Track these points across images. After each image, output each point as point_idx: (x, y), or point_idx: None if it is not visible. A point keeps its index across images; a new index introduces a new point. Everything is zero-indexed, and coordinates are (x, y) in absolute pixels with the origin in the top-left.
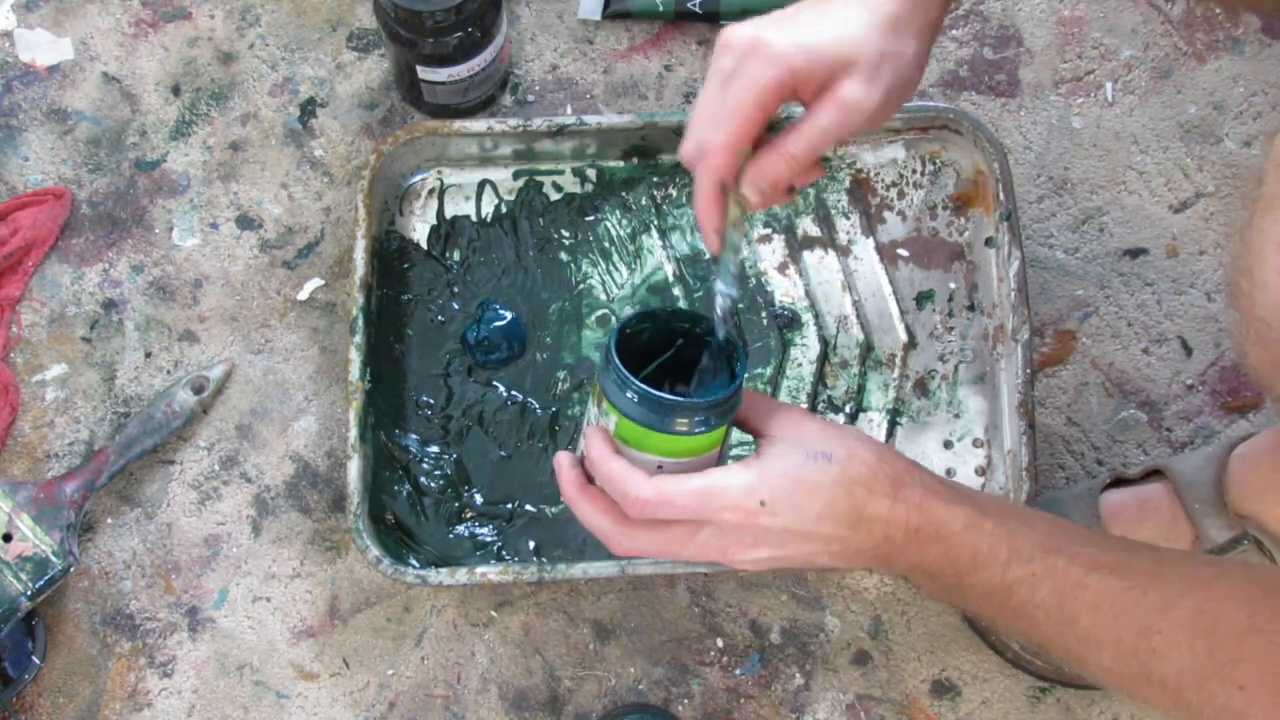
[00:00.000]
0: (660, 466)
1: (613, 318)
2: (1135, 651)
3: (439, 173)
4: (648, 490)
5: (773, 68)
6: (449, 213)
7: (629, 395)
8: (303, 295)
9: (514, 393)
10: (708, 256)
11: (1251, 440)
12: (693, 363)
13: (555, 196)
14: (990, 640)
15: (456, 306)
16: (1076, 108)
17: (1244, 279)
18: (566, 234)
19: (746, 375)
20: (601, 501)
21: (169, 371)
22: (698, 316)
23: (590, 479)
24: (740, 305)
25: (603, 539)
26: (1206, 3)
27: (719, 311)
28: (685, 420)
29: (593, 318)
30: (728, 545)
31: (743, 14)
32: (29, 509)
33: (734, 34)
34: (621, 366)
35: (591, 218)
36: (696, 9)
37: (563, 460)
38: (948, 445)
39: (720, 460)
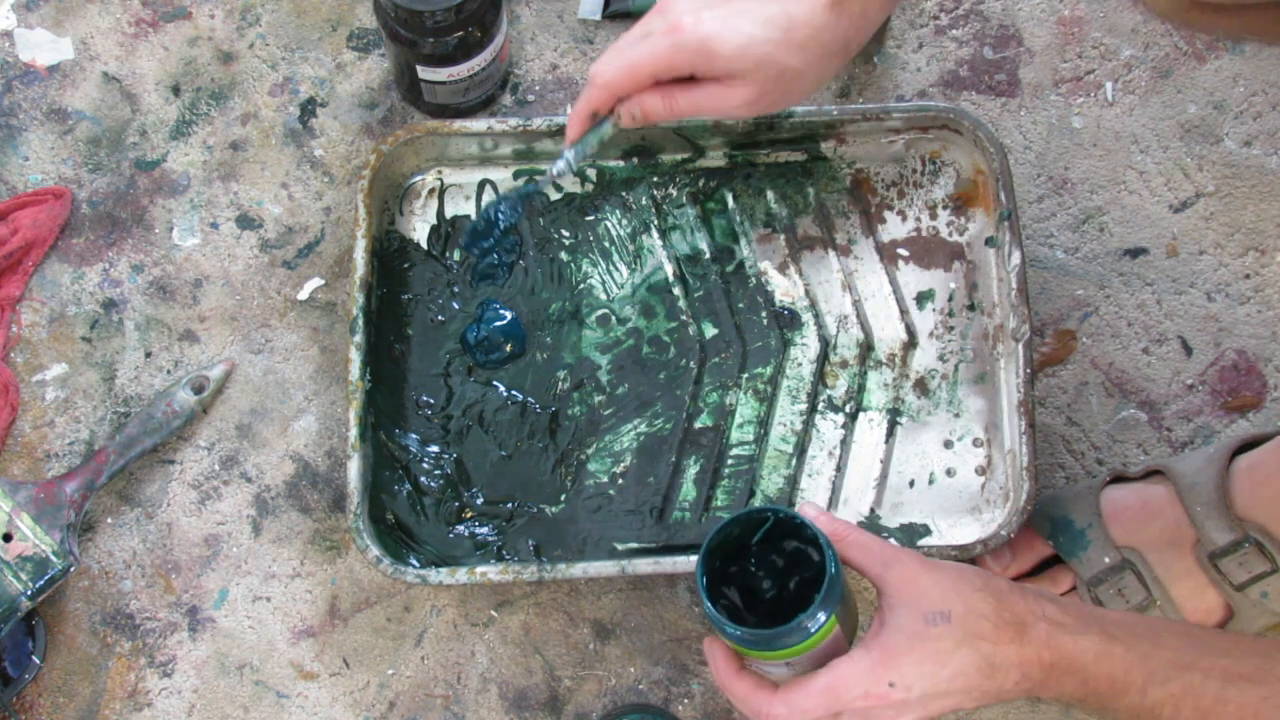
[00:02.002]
0: (788, 664)
1: (613, 317)
2: None
3: (439, 172)
4: (779, 709)
5: (678, 53)
6: (449, 213)
7: (730, 633)
8: (303, 295)
9: (514, 393)
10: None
11: (1258, 451)
12: (776, 556)
13: (555, 196)
14: None
15: (456, 306)
16: (1076, 107)
17: None
18: (566, 233)
19: (745, 375)
20: (751, 682)
21: (169, 371)
22: (769, 512)
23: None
24: (574, 172)
25: None
26: (1192, 31)
27: (552, 172)
28: (792, 638)
29: (593, 317)
30: None
31: None
32: (29, 509)
33: (672, 4)
34: (715, 612)
35: (591, 217)
36: None
37: (713, 649)
38: (948, 445)
39: (847, 631)
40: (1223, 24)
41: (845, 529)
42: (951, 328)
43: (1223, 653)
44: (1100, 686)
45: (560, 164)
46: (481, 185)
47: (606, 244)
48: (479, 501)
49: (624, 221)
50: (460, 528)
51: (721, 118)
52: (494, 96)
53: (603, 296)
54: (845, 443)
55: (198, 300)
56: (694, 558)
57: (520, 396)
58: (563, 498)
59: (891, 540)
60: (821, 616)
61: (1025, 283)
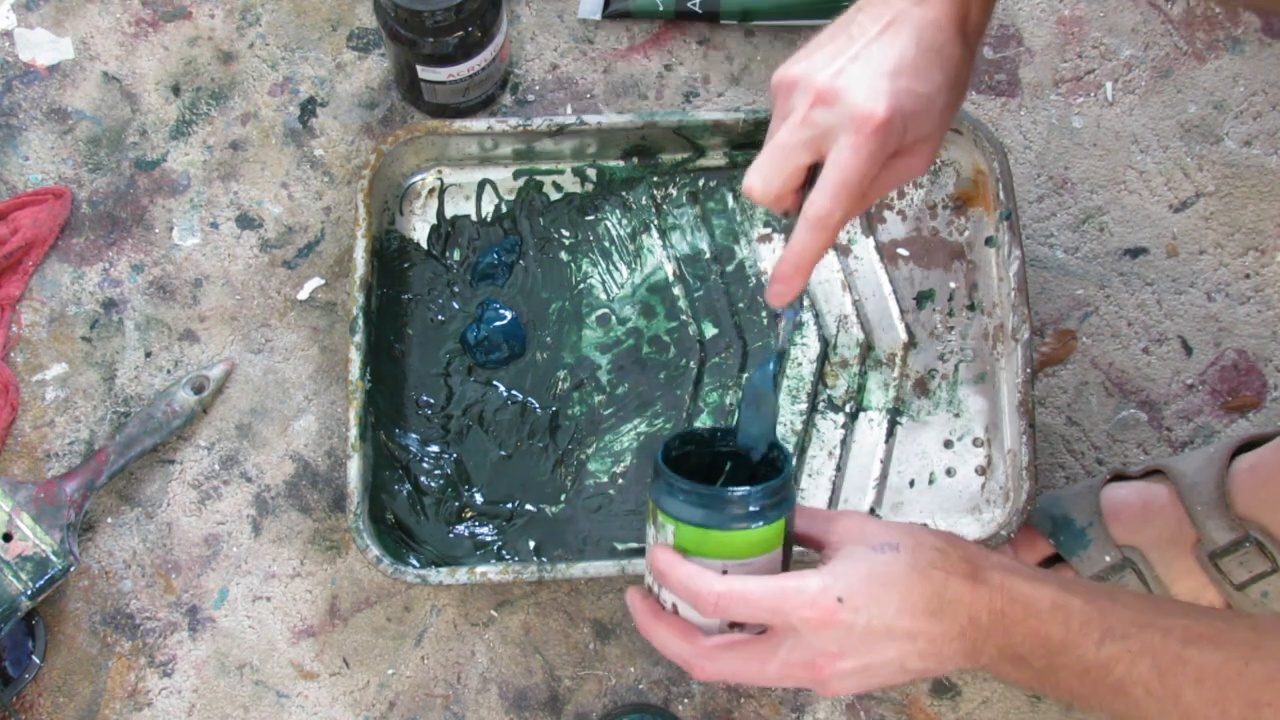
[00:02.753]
0: (725, 571)
1: (613, 317)
2: None
3: (439, 172)
4: (719, 585)
5: (881, 148)
6: (449, 212)
7: (681, 497)
8: (303, 295)
9: (514, 393)
10: (772, 307)
11: (1260, 451)
12: (740, 478)
13: (555, 196)
14: None
15: (456, 306)
16: (1076, 107)
17: None
18: (566, 233)
19: (745, 375)
20: (677, 626)
21: (169, 371)
22: (736, 431)
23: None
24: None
25: (684, 665)
26: (1208, 1)
27: (782, 338)
28: (740, 509)
29: (593, 317)
30: (814, 657)
31: (744, 15)
32: (29, 508)
33: (854, 95)
34: (669, 470)
35: (592, 217)
36: (696, 8)
37: (634, 595)
38: (948, 445)
39: (785, 568)
40: None
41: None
42: (951, 327)
43: (1182, 614)
44: (1053, 636)
45: (787, 326)
46: (481, 185)
47: (606, 244)
48: (479, 501)
49: (624, 221)
50: (460, 528)
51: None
52: (494, 96)
53: (603, 296)
54: (845, 442)
55: (198, 300)
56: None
57: (520, 396)
58: (563, 498)
59: None
60: (772, 513)
61: (1025, 282)
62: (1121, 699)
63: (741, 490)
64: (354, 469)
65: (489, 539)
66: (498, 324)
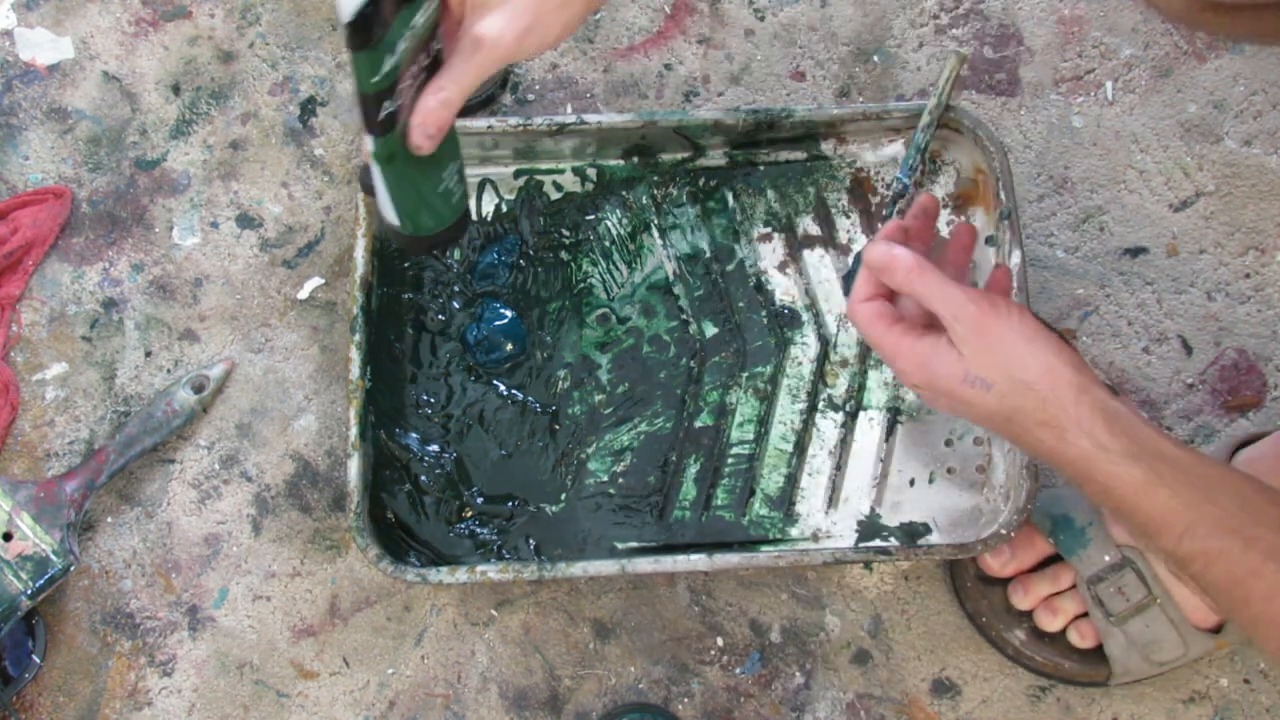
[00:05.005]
0: None
1: (613, 316)
2: None
3: None
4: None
5: None
6: None
7: None
8: (303, 294)
9: (514, 392)
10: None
11: (1257, 446)
12: None
13: (555, 196)
14: (991, 636)
15: (456, 306)
16: (1077, 107)
17: None
18: (566, 233)
19: (745, 374)
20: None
21: (169, 370)
22: None
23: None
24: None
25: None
26: (1204, 33)
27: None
28: None
29: (593, 317)
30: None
31: None
32: (29, 508)
33: None
34: None
35: (592, 217)
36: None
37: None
38: (948, 443)
39: None
40: (1236, 26)
41: (921, 265)
42: None
43: (1276, 527)
44: (1136, 518)
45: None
46: (482, 185)
47: (607, 243)
48: (479, 501)
49: (624, 221)
50: (460, 527)
51: (490, 71)
52: (494, 96)
53: (603, 296)
54: (845, 441)
55: (198, 299)
56: (694, 557)
57: (520, 396)
58: (563, 497)
59: (893, 540)
60: None
61: (1025, 282)
62: (1197, 585)
63: None
64: (354, 468)
65: (489, 538)
66: (498, 324)
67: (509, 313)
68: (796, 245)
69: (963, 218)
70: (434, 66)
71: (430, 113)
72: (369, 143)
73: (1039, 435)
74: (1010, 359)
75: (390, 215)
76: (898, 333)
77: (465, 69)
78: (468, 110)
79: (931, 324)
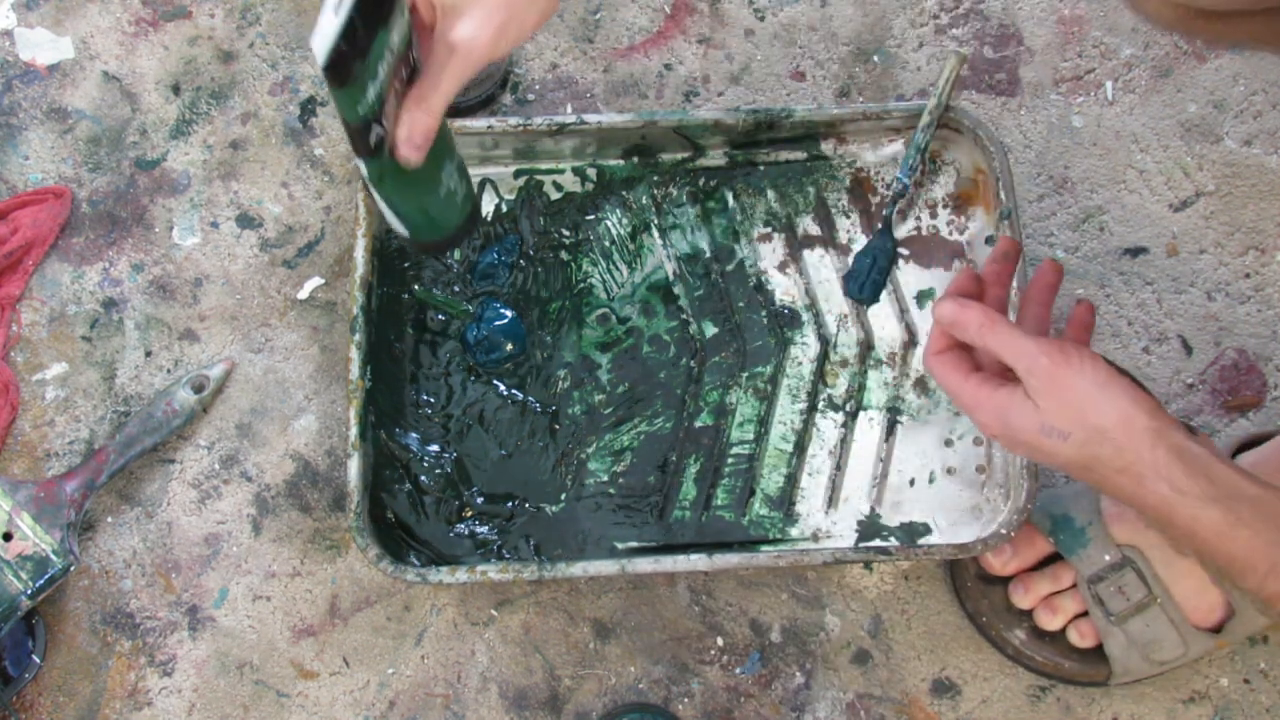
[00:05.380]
0: None
1: (613, 316)
2: None
3: None
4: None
5: None
6: None
7: None
8: (303, 294)
9: (514, 392)
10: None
11: (1259, 450)
12: None
13: (555, 195)
14: (991, 636)
15: (464, 305)
16: (1077, 106)
17: None
18: (567, 233)
19: (745, 374)
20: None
21: (169, 370)
22: None
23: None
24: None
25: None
26: (1191, 37)
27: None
28: None
29: (593, 317)
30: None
31: None
32: (29, 508)
33: None
34: None
35: (592, 217)
36: None
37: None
38: (948, 444)
39: None
40: (1226, 32)
41: (991, 320)
42: None
43: None
44: (1217, 560)
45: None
46: (482, 185)
47: (607, 243)
48: (479, 500)
49: (624, 221)
50: (460, 527)
51: (469, 76)
52: (494, 96)
53: (603, 296)
54: (845, 441)
55: (198, 299)
56: (694, 557)
57: (520, 396)
58: (563, 497)
59: (893, 540)
60: None
61: (1026, 282)
62: None
63: None
64: (354, 468)
65: (489, 538)
66: (498, 324)
67: (509, 313)
68: (796, 245)
69: (963, 217)
70: (414, 75)
71: (415, 125)
72: (362, 166)
73: (1118, 482)
74: (1084, 409)
75: (400, 228)
76: (974, 384)
77: (444, 76)
78: (468, 110)
79: (1008, 372)
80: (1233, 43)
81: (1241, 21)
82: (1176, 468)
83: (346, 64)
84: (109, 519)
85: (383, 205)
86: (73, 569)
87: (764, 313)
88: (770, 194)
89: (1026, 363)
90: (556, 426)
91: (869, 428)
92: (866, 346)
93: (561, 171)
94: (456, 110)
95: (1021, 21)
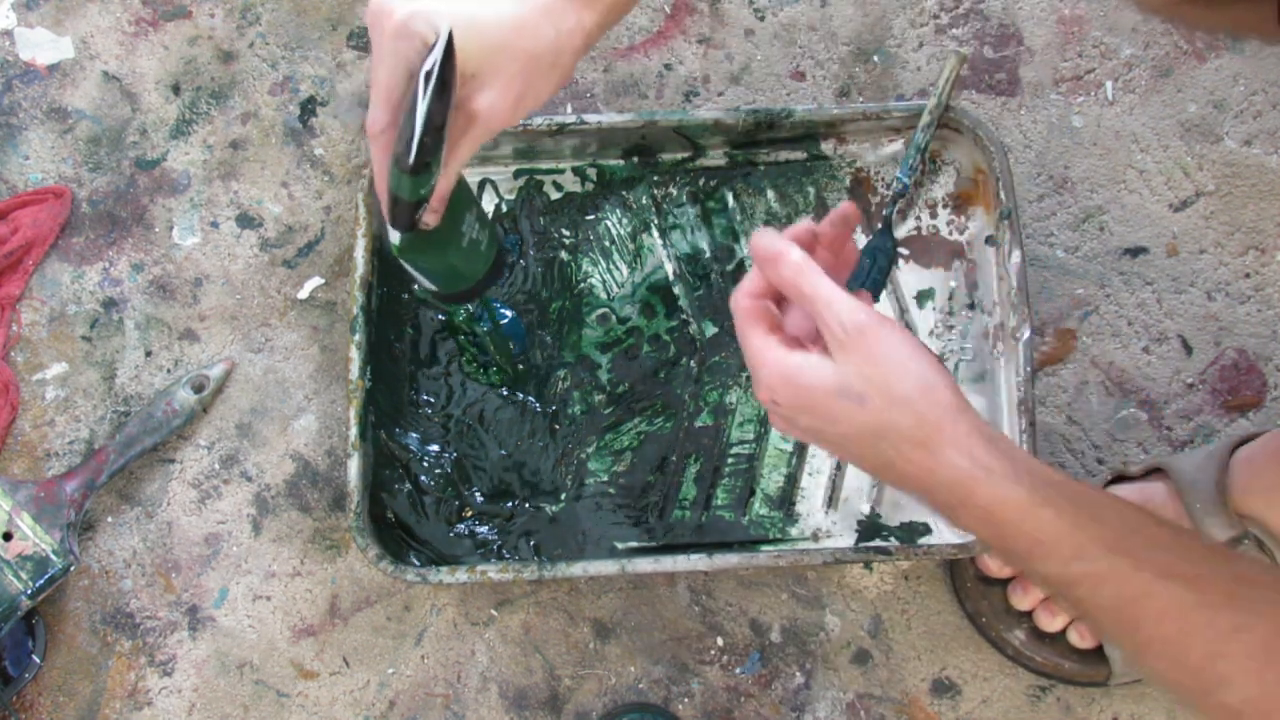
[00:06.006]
0: None
1: (613, 316)
2: (1199, 672)
3: None
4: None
5: (418, 56)
6: None
7: None
8: (303, 294)
9: (514, 392)
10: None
11: (1255, 443)
12: None
13: (555, 195)
14: (991, 636)
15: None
16: (1077, 106)
17: None
18: (567, 233)
19: (745, 374)
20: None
21: (169, 370)
22: None
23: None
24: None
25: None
26: (1182, 26)
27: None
28: None
29: (593, 317)
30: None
31: None
32: (29, 508)
33: (386, 7)
34: None
35: (592, 217)
36: None
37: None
38: None
39: None
40: (1212, 19)
41: (810, 266)
42: (951, 326)
43: (1166, 546)
44: (1018, 544)
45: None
46: (482, 185)
47: (607, 243)
48: (479, 500)
49: (624, 221)
50: (460, 527)
51: (486, 139)
52: None
53: (603, 295)
54: None
55: (198, 299)
56: (694, 557)
57: (520, 396)
58: (563, 497)
59: (893, 540)
60: None
61: (1025, 281)
62: (1081, 612)
63: None
64: (354, 468)
65: (489, 538)
66: (499, 324)
67: (509, 313)
68: None
69: (963, 217)
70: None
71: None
72: (394, 236)
73: (910, 455)
74: (889, 372)
75: (430, 284)
76: (772, 341)
77: (462, 142)
78: None
79: (808, 345)
80: (1220, 30)
81: (1223, 8)
82: (979, 444)
83: (426, 157)
84: (109, 519)
85: (411, 270)
86: (73, 569)
87: None
88: (770, 194)
89: (835, 314)
90: (556, 426)
91: None
92: None
93: (561, 171)
94: None
95: (1021, 21)
